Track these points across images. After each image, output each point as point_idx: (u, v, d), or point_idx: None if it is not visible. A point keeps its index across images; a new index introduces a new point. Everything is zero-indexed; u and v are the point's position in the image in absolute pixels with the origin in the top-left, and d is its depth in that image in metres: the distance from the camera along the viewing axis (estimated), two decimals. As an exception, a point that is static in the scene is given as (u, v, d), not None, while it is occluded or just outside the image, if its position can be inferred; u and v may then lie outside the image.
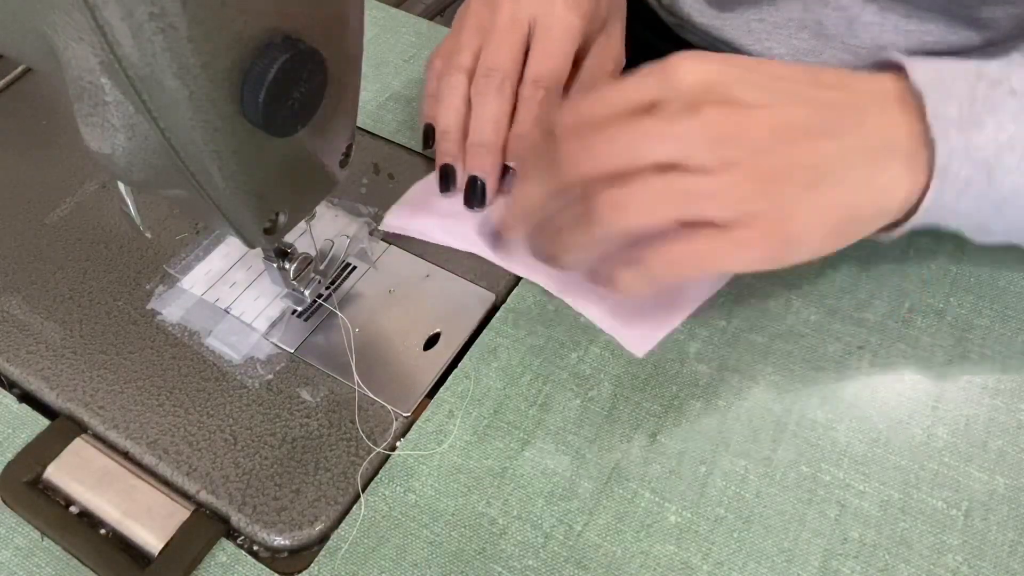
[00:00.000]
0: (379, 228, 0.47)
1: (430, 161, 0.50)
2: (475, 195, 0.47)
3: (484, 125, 0.46)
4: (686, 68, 0.37)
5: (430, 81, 0.49)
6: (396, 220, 0.47)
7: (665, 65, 0.37)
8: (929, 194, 0.37)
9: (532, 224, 0.41)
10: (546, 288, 0.44)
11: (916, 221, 0.38)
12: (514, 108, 0.47)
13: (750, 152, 0.35)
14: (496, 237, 0.45)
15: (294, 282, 0.41)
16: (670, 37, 0.65)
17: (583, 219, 0.37)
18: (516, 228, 0.42)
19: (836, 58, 0.57)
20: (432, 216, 0.47)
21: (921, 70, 0.38)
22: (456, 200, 0.47)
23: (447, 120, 0.47)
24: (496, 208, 0.47)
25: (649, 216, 0.36)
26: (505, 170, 0.47)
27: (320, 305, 0.43)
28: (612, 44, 0.52)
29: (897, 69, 0.39)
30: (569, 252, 0.39)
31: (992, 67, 0.38)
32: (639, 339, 0.42)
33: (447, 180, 0.47)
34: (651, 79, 0.37)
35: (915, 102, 0.37)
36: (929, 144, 0.36)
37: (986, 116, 0.36)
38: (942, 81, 0.37)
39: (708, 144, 0.35)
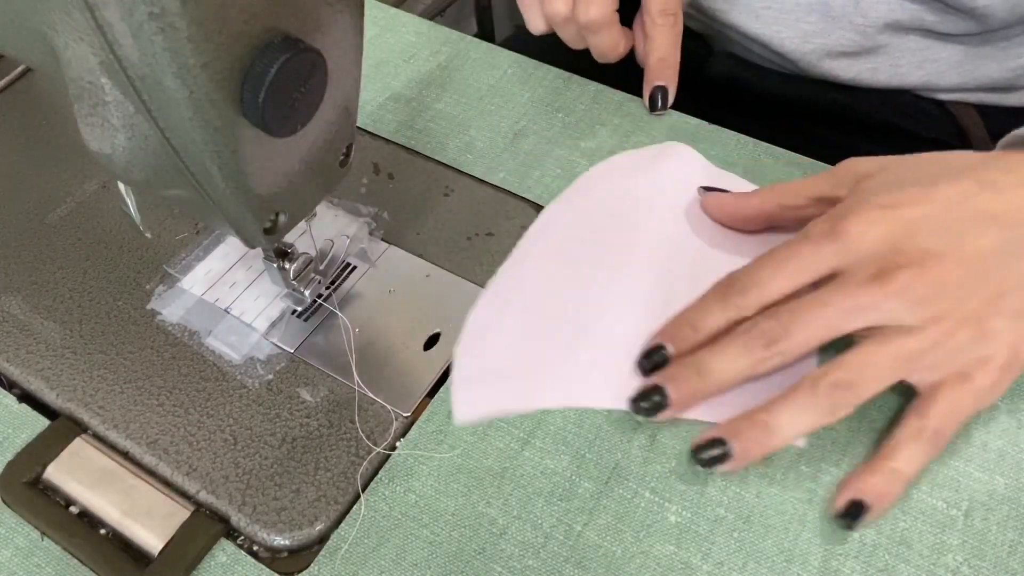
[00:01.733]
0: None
1: (429, 161, 0.50)
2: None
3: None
4: (860, 230, 0.36)
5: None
6: (471, 409, 0.39)
7: (835, 228, 0.37)
8: None
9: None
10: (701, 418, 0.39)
11: None
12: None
13: (955, 302, 0.35)
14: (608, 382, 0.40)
15: (294, 282, 0.41)
16: None
17: (807, 399, 0.36)
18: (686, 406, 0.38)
19: (845, 38, 0.57)
20: (504, 381, 0.40)
21: None
22: (510, 347, 0.41)
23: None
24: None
25: (882, 382, 0.36)
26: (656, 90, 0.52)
27: (320, 305, 0.43)
28: None
29: None
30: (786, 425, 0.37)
31: None
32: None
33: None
34: (827, 248, 0.37)
35: None
36: None
37: None
38: None
39: (909, 308, 0.35)
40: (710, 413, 0.38)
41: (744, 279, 0.38)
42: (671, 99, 0.52)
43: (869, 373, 0.36)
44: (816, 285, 0.37)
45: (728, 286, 0.38)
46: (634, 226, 0.46)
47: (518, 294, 0.42)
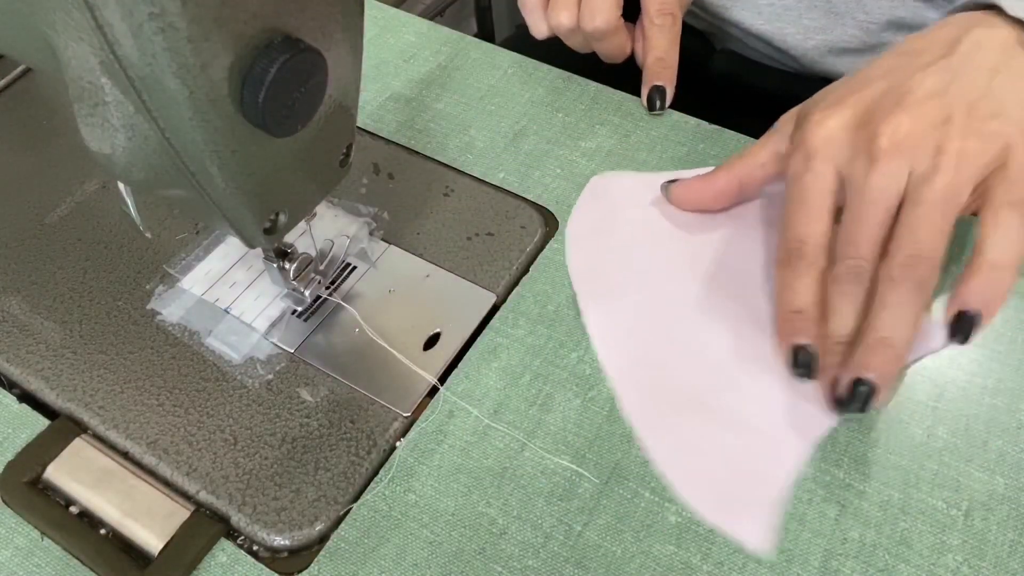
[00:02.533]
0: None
1: (429, 161, 0.50)
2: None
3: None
4: (817, 128, 0.39)
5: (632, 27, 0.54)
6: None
7: (799, 141, 0.40)
8: None
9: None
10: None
11: None
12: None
13: (942, 126, 0.37)
14: None
15: (294, 282, 0.41)
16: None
17: (893, 293, 0.36)
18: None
19: (847, 34, 0.57)
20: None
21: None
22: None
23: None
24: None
25: (940, 237, 0.36)
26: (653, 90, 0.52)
27: (320, 305, 0.43)
28: None
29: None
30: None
31: None
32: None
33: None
34: (816, 165, 0.39)
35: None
36: None
37: None
38: None
39: (912, 158, 0.37)
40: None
41: (792, 241, 0.39)
42: (669, 99, 0.52)
43: (923, 232, 0.36)
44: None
45: (787, 256, 0.39)
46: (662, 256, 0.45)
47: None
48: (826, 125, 0.39)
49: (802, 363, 0.37)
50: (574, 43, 0.53)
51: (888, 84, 0.40)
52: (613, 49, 0.52)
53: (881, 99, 0.39)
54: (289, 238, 0.39)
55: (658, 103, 0.52)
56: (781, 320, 0.39)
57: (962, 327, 0.35)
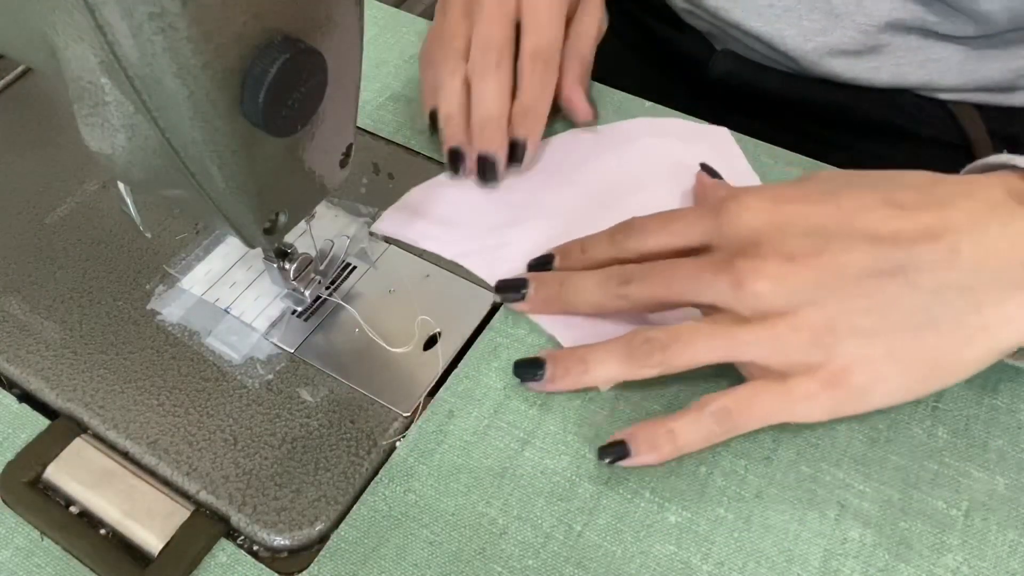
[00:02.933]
0: (371, 231, 0.46)
1: (429, 161, 0.50)
2: (486, 171, 0.47)
3: (487, 102, 0.46)
4: (737, 212, 0.36)
5: (425, 71, 0.50)
6: (390, 225, 0.47)
7: (723, 206, 0.37)
8: None
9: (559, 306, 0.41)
10: (539, 323, 0.43)
11: None
12: (514, 84, 0.47)
13: (789, 305, 0.34)
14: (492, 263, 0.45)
15: (294, 282, 0.41)
16: (680, 26, 0.65)
17: (633, 351, 0.37)
18: (542, 311, 0.42)
19: (847, 36, 0.57)
20: (427, 223, 0.47)
21: None
22: (452, 207, 0.47)
23: (449, 104, 0.47)
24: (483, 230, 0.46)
25: (692, 358, 0.36)
26: (513, 146, 0.47)
27: (320, 305, 0.43)
28: (596, 8, 0.52)
29: (1012, 168, 0.35)
30: (603, 369, 0.39)
31: None
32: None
33: (456, 162, 0.47)
34: (708, 220, 0.38)
35: None
36: None
37: None
38: None
39: (745, 298, 0.35)
40: (562, 333, 0.42)
41: (635, 224, 0.40)
42: (530, 153, 0.47)
43: (684, 341, 0.36)
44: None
45: (622, 227, 0.41)
46: (630, 175, 0.49)
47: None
48: (743, 218, 0.36)
49: (542, 261, 0.43)
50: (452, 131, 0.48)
51: (824, 216, 0.35)
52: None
53: (800, 228, 0.35)
54: (289, 238, 0.39)
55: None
56: (570, 243, 0.43)
57: (615, 452, 0.37)
